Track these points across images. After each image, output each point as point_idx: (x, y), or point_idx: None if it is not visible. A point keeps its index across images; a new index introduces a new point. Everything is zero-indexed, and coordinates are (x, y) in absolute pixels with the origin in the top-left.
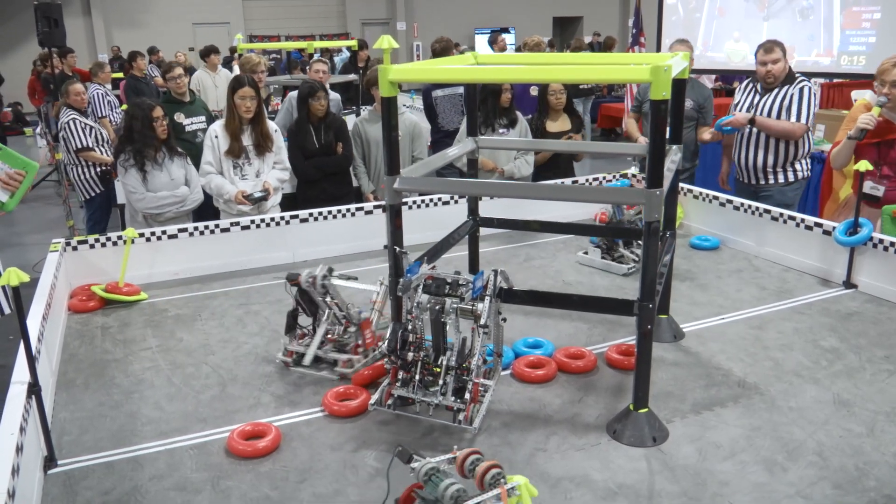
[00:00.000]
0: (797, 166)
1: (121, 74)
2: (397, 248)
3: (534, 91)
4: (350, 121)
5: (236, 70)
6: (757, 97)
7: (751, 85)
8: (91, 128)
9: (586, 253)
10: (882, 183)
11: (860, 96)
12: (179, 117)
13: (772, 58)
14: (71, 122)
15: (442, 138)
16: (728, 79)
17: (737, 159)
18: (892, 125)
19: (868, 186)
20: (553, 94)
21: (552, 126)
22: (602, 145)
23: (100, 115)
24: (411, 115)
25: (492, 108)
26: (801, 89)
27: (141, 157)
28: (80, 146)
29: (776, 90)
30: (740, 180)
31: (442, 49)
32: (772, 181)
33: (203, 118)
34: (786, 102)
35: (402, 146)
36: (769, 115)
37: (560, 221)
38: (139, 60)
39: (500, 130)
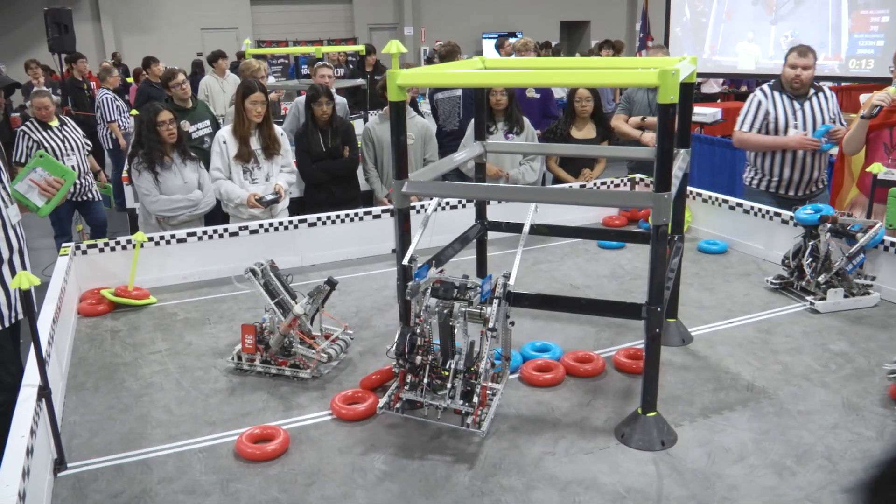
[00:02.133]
0: None
1: (128, 80)
2: (406, 262)
3: (530, 93)
4: (358, 125)
5: None
6: (796, 104)
7: (776, 92)
8: (37, 144)
9: (823, 299)
10: (894, 167)
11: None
12: (185, 125)
13: (804, 62)
14: (20, 133)
15: (440, 139)
16: (737, 82)
17: (788, 175)
18: None
19: (884, 173)
20: (579, 100)
21: (577, 133)
22: (610, 149)
23: (109, 120)
24: (422, 118)
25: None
26: (833, 94)
27: (151, 160)
28: (15, 159)
29: (813, 98)
30: (783, 195)
31: (447, 53)
32: (814, 189)
33: (207, 122)
34: (826, 109)
35: (414, 149)
36: (816, 124)
37: (568, 225)
38: (153, 66)
39: (510, 136)
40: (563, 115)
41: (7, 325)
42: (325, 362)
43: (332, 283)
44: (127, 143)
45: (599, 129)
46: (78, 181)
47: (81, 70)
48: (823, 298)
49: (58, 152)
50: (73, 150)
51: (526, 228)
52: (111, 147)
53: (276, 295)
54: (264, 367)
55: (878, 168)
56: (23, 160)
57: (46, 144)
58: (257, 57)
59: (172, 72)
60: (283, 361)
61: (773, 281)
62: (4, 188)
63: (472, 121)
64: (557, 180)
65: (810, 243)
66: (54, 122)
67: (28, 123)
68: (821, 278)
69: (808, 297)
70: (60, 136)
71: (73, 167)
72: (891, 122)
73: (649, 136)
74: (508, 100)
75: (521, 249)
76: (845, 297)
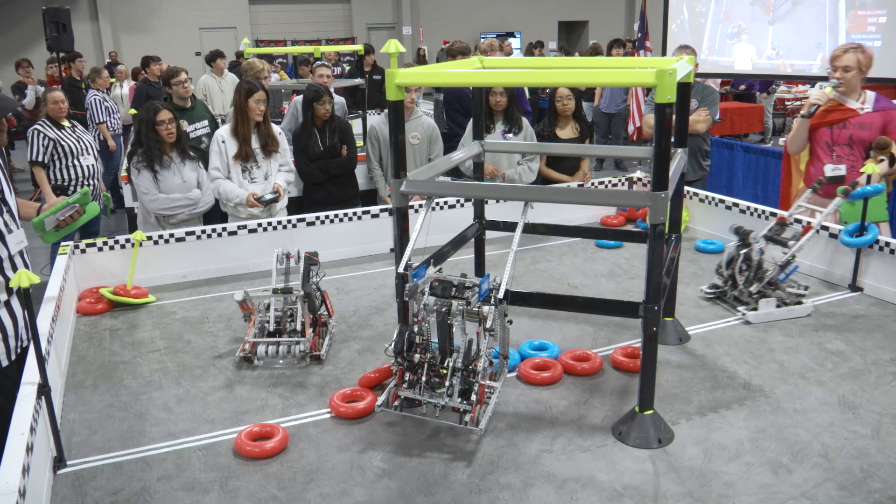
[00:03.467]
0: None
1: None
2: (402, 269)
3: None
4: (356, 125)
5: None
6: None
7: None
8: (53, 143)
9: (754, 309)
10: (840, 162)
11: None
12: (183, 125)
13: None
14: (33, 132)
15: None
16: (736, 82)
17: None
18: (843, 107)
19: (830, 169)
20: (560, 100)
21: (560, 133)
22: (607, 149)
23: (98, 121)
24: (428, 118)
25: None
26: None
27: (150, 159)
28: (31, 158)
29: None
30: None
31: (448, 51)
32: None
33: (206, 122)
34: None
35: (420, 149)
36: None
37: (566, 224)
38: (152, 65)
39: (507, 136)
40: (547, 115)
41: (14, 357)
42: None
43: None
44: (116, 145)
45: (581, 127)
46: (93, 182)
47: (79, 69)
48: (755, 308)
49: (75, 151)
50: (88, 151)
51: (519, 228)
52: (100, 148)
53: (281, 282)
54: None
55: (871, 168)
56: (39, 159)
57: (64, 143)
58: (260, 57)
59: (175, 70)
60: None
61: (708, 290)
62: (10, 210)
63: (471, 120)
64: (548, 182)
65: (741, 252)
66: (66, 123)
67: (41, 122)
68: (752, 288)
69: (741, 308)
70: (75, 136)
71: (90, 166)
72: (828, 120)
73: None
74: (508, 101)
75: (515, 249)
76: (777, 306)
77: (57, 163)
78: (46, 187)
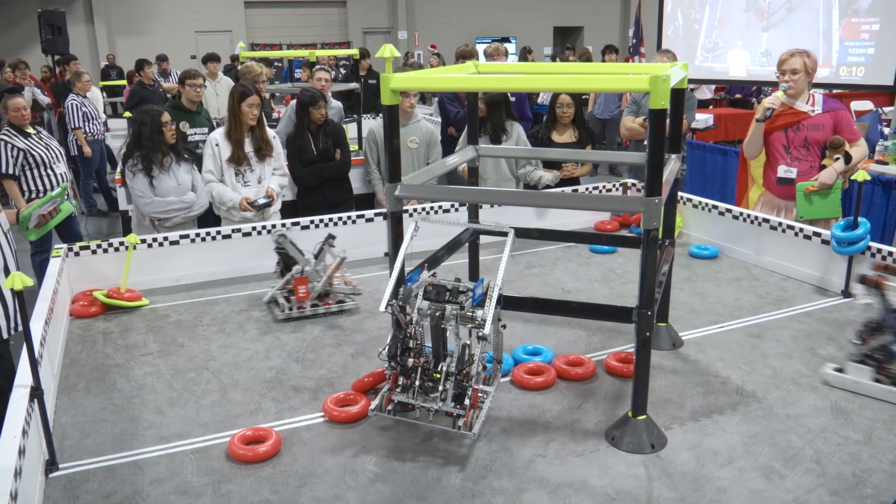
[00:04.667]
0: None
1: (122, 82)
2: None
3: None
4: (351, 129)
5: None
6: None
7: None
8: (23, 153)
9: (840, 370)
10: (794, 165)
11: (859, 107)
12: (184, 126)
13: None
14: (1, 144)
15: None
16: (732, 89)
17: None
18: (794, 110)
19: (783, 171)
20: (560, 106)
21: (558, 138)
22: (601, 154)
23: (73, 126)
24: (427, 123)
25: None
26: None
27: (149, 162)
28: (1, 171)
29: None
30: None
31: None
32: None
33: (206, 129)
34: None
35: (418, 154)
36: None
37: (560, 229)
38: (146, 69)
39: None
40: (545, 119)
41: (6, 335)
42: (360, 294)
43: (331, 237)
44: (92, 151)
45: (581, 133)
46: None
47: (73, 72)
48: (841, 370)
49: (46, 161)
50: (58, 159)
51: (503, 264)
52: (76, 153)
53: (303, 252)
54: (313, 309)
55: (862, 176)
56: (9, 171)
57: (34, 152)
58: (258, 61)
59: (195, 72)
60: (327, 302)
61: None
62: None
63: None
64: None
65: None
66: (31, 130)
67: (6, 131)
68: (857, 349)
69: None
70: (43, 144)
71: (62, 174)
72: (780, 124)
73: None
74: (487, 108)
75: (499, 283)
76: (875, 380)
77: (28, 173)
78: (20, 201)
